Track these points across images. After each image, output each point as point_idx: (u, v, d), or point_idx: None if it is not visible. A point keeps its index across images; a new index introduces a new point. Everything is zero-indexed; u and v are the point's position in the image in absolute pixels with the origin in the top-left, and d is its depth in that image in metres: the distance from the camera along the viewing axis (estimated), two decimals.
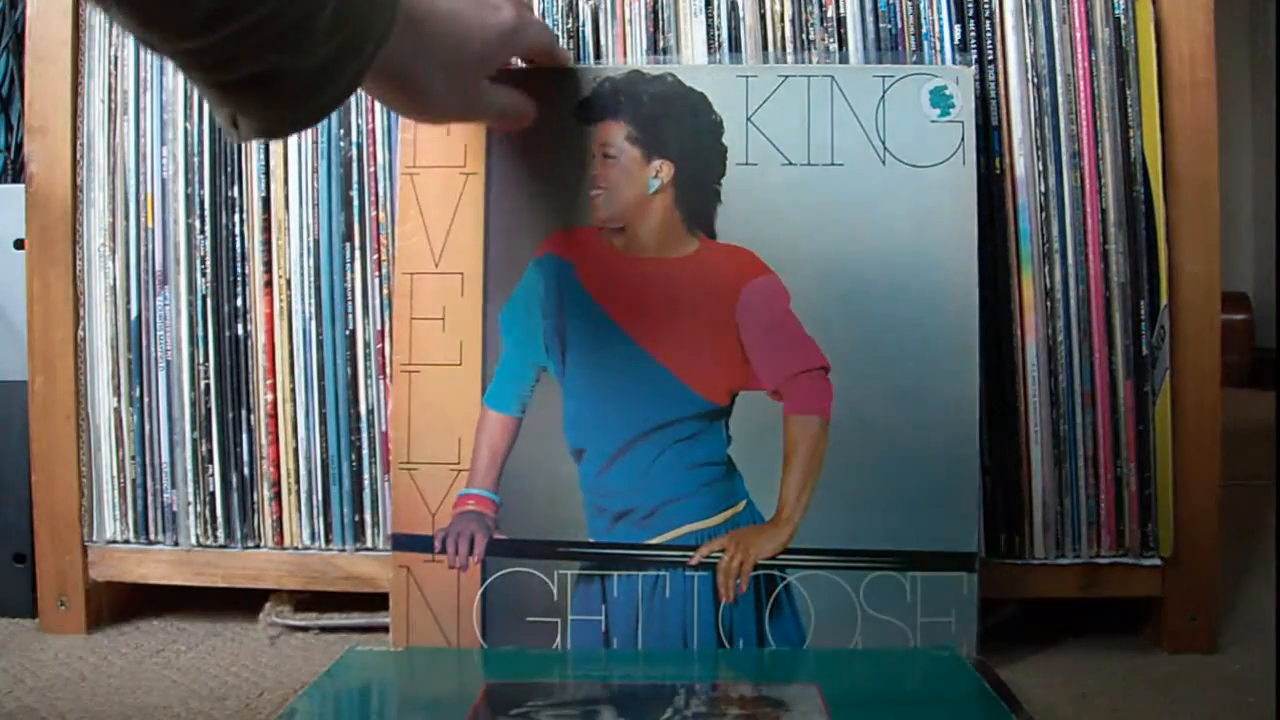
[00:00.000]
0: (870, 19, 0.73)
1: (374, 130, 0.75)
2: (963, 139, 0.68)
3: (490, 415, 0.69)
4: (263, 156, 0.76)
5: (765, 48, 0.73)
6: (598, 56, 0.74)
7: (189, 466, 0.77)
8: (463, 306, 0.70)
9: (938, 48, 0.73)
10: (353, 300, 0.75)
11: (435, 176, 0.70)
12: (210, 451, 0.76)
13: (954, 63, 0.72)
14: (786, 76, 0.69)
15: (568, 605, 0.67)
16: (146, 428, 0.77)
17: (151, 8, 0.41)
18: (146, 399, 0.77)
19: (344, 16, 0.45)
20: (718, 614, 0.67)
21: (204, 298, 0.76)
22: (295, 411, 0.76)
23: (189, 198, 0.76)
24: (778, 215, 0.68)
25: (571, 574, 0.67)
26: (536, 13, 0.74)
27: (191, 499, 0.77)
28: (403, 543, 0.69)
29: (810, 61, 0.73)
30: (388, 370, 0.74)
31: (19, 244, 0.80)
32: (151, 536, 0.78)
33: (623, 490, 0.68)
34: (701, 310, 0.68)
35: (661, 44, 0.74)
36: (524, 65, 0.69)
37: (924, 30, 0.73)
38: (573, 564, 0.68)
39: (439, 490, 0.68)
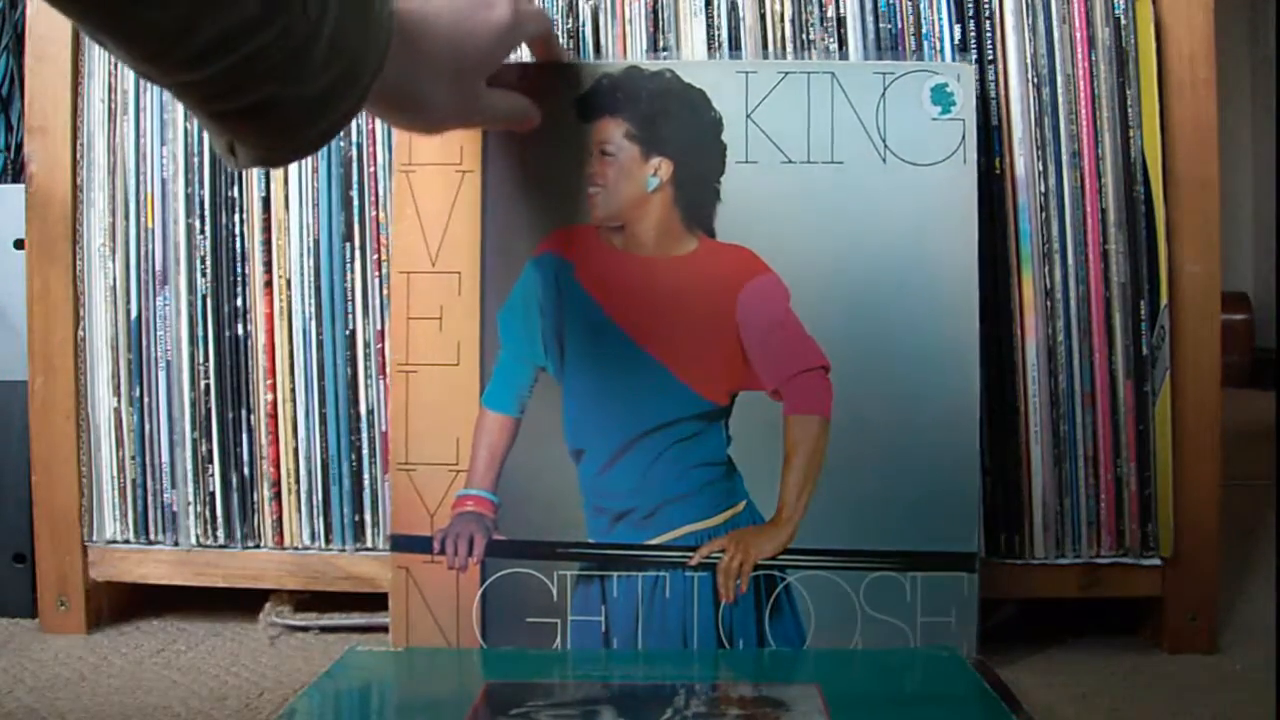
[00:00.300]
0: (870, 19, 0.73)
1: (374, 130, 0.75)
2: (963, 137, 0.68)
3: (489, 416, 0.69)
4: None
5: (765, 47, 0.73)
6: (598, 56, 0.74)
7: (189, 466, 0.77)
8: (460, 306, 0.69)
9: (938, 48, 0.73)
10: (353, 300, 0.75)
11: (431, 174, 0.70)
12: (210, 451, 0.76)
13: (954, 63, 0.72)
14: (786, 73, 0.69)
15: (567, 606, 0.67)
16: (146, 428, 0.77)
17: (149, 42, 0.41)
18: (146, 399, 0.77)
19: (340, 48, 0.45)
20: (718, 614, 0.67)
21: (204, 298, 0.76)
22: (295, 411, 0.76)
23: (189, 198, 0.76)
24: (778, 214, 0.68)
25: (571, 574, 0.67)
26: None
27: (191, 499, 0.77)
28: (402, 544, 0.69)
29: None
30: (387, 370, 0.74)
31: (19, 244, 0.80)
32: (151, 536, 0.78)
33: (622, 490, 0.67)
34: (701, 310, 0.68)
35: (661, 44, 0.74)
36: (522, 62, 0.69)
37: (924, 30, 0.73)
38: (572, 564, 0.67)
39: (437, 491, 0.68)
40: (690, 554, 0.67)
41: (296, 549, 0.76)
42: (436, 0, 0.56)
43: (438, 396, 0.69)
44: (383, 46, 0.49)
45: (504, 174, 0.69)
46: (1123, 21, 0.72)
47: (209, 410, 0.76)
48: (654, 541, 0.67)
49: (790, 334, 0.67)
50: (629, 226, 0.69)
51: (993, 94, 0.72)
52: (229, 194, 0.76)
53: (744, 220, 0.68)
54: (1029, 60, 0.72)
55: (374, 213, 0.75)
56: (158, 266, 0.77)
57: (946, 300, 0.67)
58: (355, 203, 0.75)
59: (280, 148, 0.48)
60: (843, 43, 0.73)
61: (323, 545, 0.76)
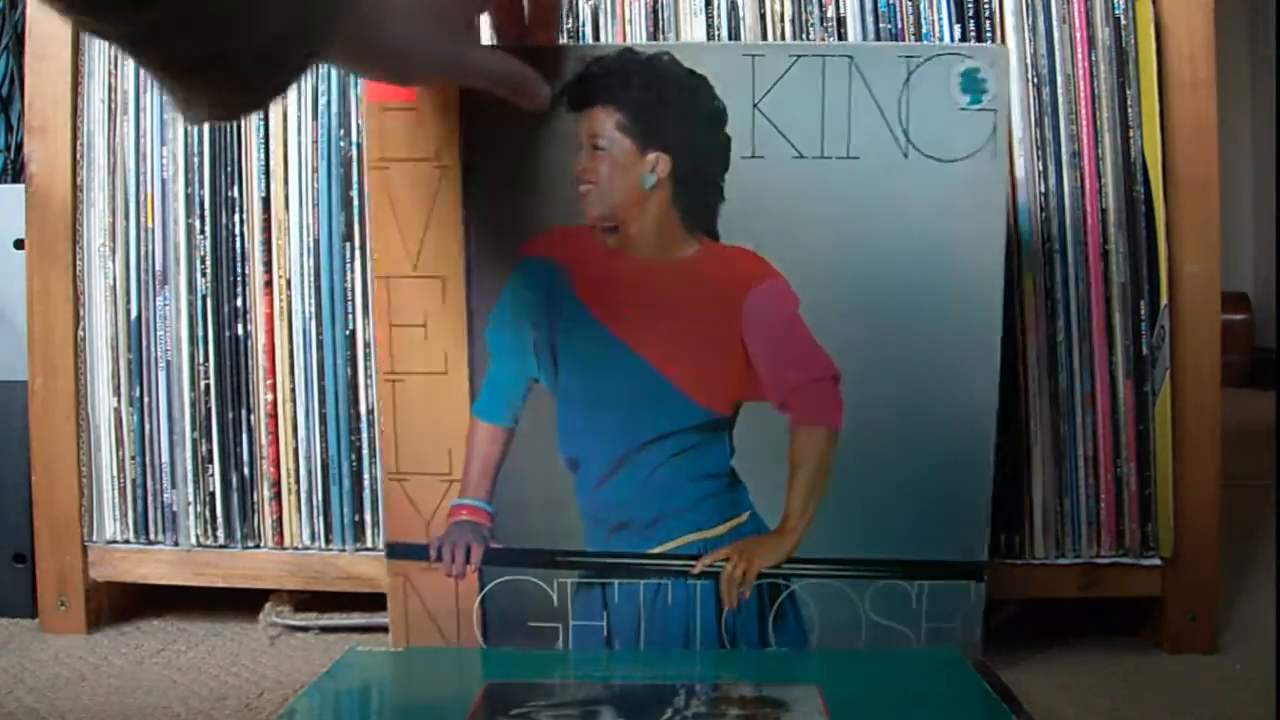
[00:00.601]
0: (870, 19, 0.73)
1: None
2: (995, 129, 0.62)
3: (481, 426, 0.66)
4: (263, 156, 0.76)
5: None
6: None
7: (189, 466, 0.77)
8: (445, 312, 0.65)
9: None
10: (353, 300, 0.75)
11: (407, 171, 0.64)
12: (210, 451, 0.76)
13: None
14: (798, 57, 0.62)
15: (568, 611, 0.66)
16: (146, 428, 0.77)
17: None
18: (146, 399, 0.77)
19: None
20: (720, 620, 0.66)
21: (204, 298, 0.76)
22: (295, 411, 0.76)
23: (189, 198, 0.76)
24: (787, 214, 0.63)
25: (571, 582, 0.66)
26: None
27: (191, 499, 0.77)
28: (398, 550, 0.67)
29: None
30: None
31: (19, 244, 0.80)
32: (151, 536, 0.78)
33: (621, 502, 0.65)
34: (703, 317, 0.64)
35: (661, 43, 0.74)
36: (502, 44, 0.65)
37: (924, 30, 0.73)
38: (572, 572, 0.66)
39: (432, 500, 0.67)
40: (692, 563, 0.66)
41: (296, 549, 0.76)
42: None
43: (427, 406, 0.66)
44: None
45: (486, 170, 0.64)
46: (1123, 21, 0.72)
47: (209, 410, 0.76)
48: (655, 551, 0.66)
49: (798, 343, 0.64)
50: (624, 227, 0.64)
51: None
52: (229, 194, 0.76)
53: (750, 220, 0.63)
54: (1029, 60, 0.72)
55: None
56: (158, 266, 0.77)
57: (969, 307, 0.63)
58: (355, 203, 0.75)
59: (234, 101, 0.45)
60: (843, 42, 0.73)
61: (323, 545, 0.76)
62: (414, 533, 0.67)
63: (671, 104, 0.63)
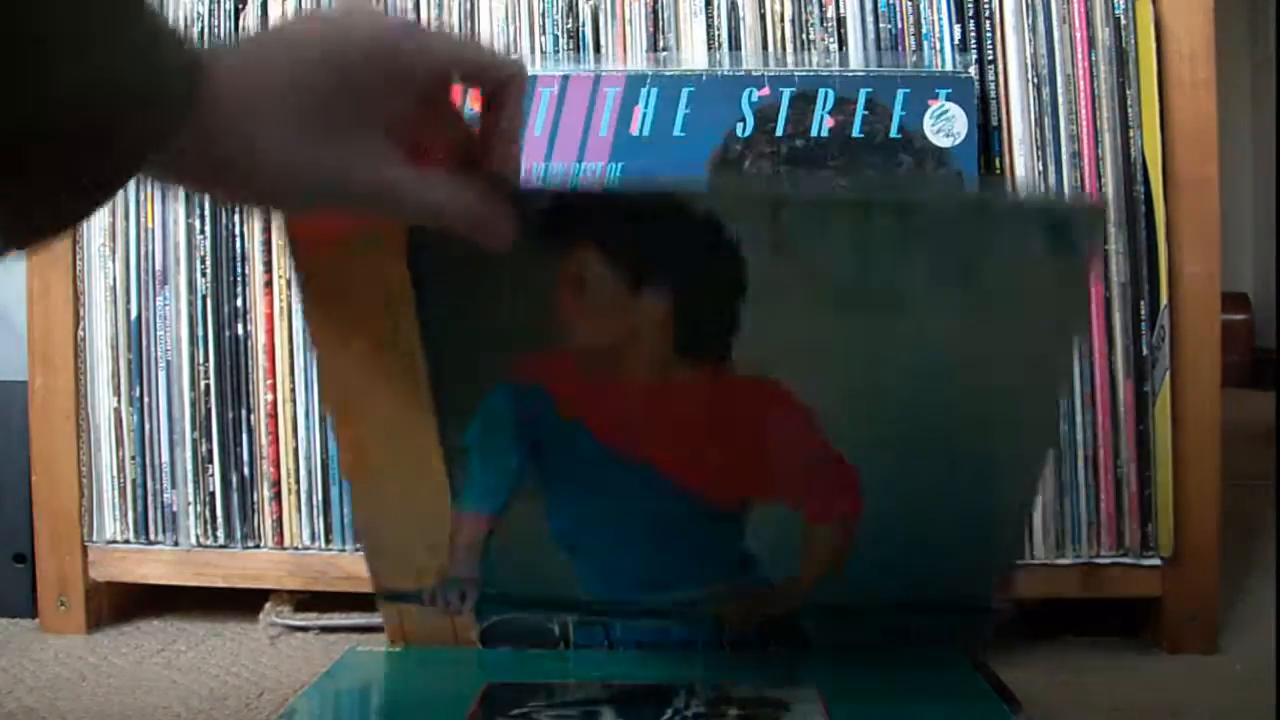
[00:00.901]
0: (870, 19, 0.73)
1: None
2: (1086, 292, 0.53)
3: (465, 515, 0.60)
4: None
5: (765, 48, 0.74)
6: (598, 57, 0.74)
7: (189, 466, 0.77)
8: (416, 427, 0.56)
9: (938, 48, 0.73)
10: None
11: (349, 310, 0.53)
12: (210, 451, 0.76)
13: (954, 63, 0.72)
14: (834, 205, 0.51)
15: (570, 638, 0.66)
16: (146, 428, 0.77)
17: None
18: (146, 399, 0.77)
19: (76, 83, 0.30)
20: (721, 636, 0.65)
21: (204, 298, 0.76)
22: (295, 411, 0.76)
23: (189, 198, 0.76)
24: (813, 358, 0.52)
25: (572, 619, 0.63)
26: (536, 13, 0.74)
27: (191, 499, 0.77)
28: (389, 596, 0.63)
29: (810, 63, 0.73)
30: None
31: None
32: (151, 536, 0.78)
33: (621, 570, 0.61)
34: (709, 432, 0.56)
35: (661, 44, 0.74)
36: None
37: (924, 30, 0.73)
38: (571, 614, 0.63)
39: (418, 564, 0.61)
40: (694, 605, 0.62)
41: (296, 549, 0.76)
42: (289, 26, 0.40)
43: (400, 503, 0.59)
44: (175, 96, 0.34)
45: (445, 299, 0.53)
46: (1123, 21, 0.72)
47: (209, 410, 0.76)
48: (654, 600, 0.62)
49: (811, 450, 0.56)
50: (615, 356, 0.53)
51: (992, 94, 0.72)
52: None
53: (768, 354, 0.52)
54: (1029, 60, 0.72)
55: None
56: (158, 266, 0.77)
57: (1017, 449, 0.55)
58: None
59: (20, 228, 0.33)
60: (842, 43, 0.73)
61: (323, 545, 0.76)
62: (404, 583, 0.63)
63: (670, 241, 0.51)
